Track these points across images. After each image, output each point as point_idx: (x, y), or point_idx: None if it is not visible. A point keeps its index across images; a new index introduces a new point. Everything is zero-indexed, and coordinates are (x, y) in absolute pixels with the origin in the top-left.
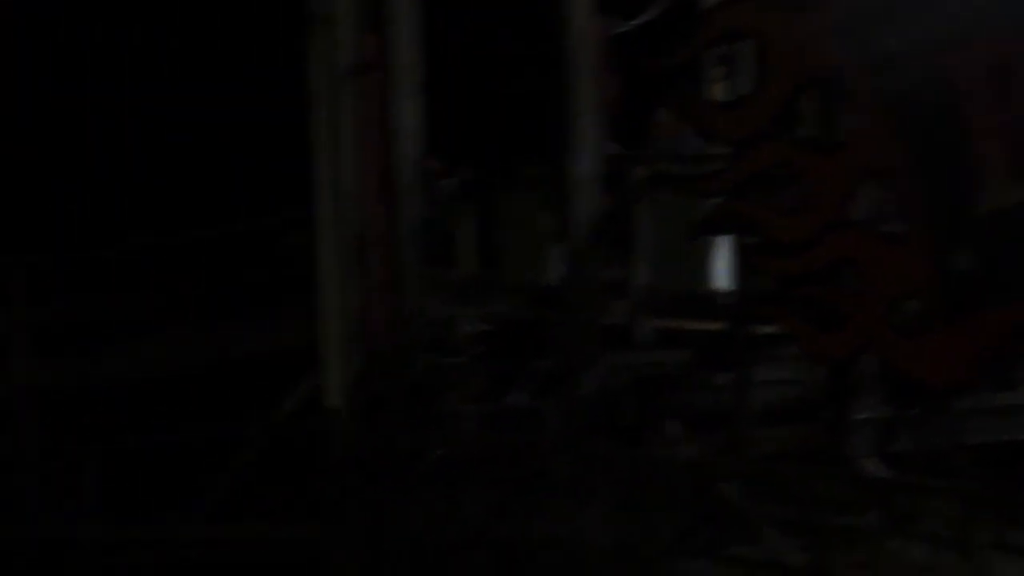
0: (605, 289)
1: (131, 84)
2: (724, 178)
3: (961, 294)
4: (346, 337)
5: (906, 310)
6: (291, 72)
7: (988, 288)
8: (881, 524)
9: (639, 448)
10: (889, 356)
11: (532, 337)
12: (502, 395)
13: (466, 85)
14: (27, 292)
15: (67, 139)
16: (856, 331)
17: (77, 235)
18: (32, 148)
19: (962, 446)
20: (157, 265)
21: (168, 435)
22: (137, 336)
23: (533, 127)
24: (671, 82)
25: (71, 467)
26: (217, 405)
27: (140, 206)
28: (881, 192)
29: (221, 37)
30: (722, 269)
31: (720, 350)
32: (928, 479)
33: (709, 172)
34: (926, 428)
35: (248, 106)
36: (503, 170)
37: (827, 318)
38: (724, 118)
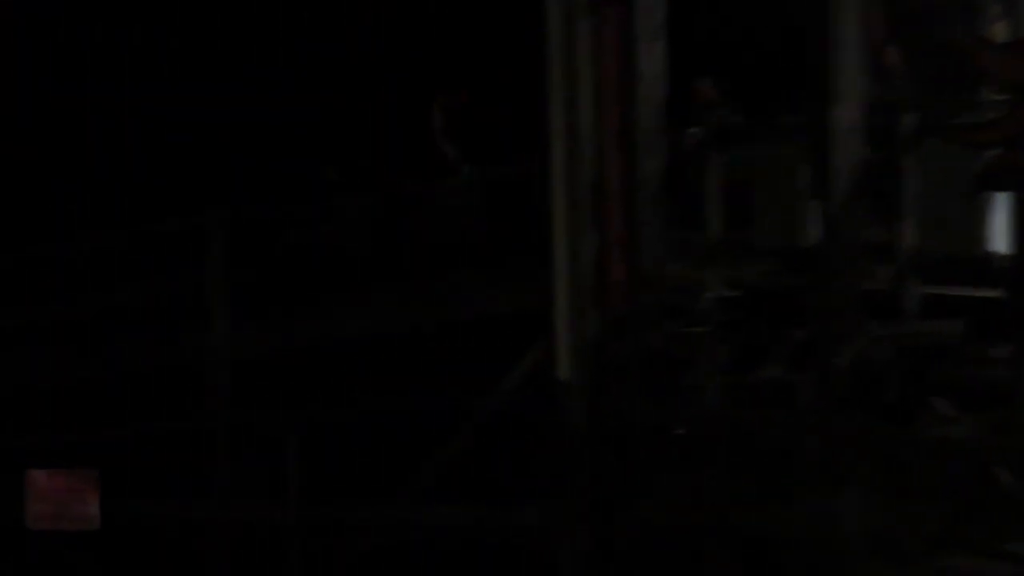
0: (867, 252)
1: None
2: (1004, 127)
3: None
4: (579, 301)
5: None
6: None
7: None
8: None
9: (903, 428)
10: None
11: (785, 305)
12: (750, 368)
13: (711, 24)
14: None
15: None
16: None
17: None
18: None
19: None
20: (365, 220)
21: (375, 406)
22: (340, 298)
23: (790, 69)
24: (944, 20)
25: (267, 440)
26: (428, 374)
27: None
28: None
29: None
30: (1000, 229)
31: (996, 319)
32: None
33: (986, 120)
34: None
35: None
36: (756, 118)
37: None
38: (1004, 60)
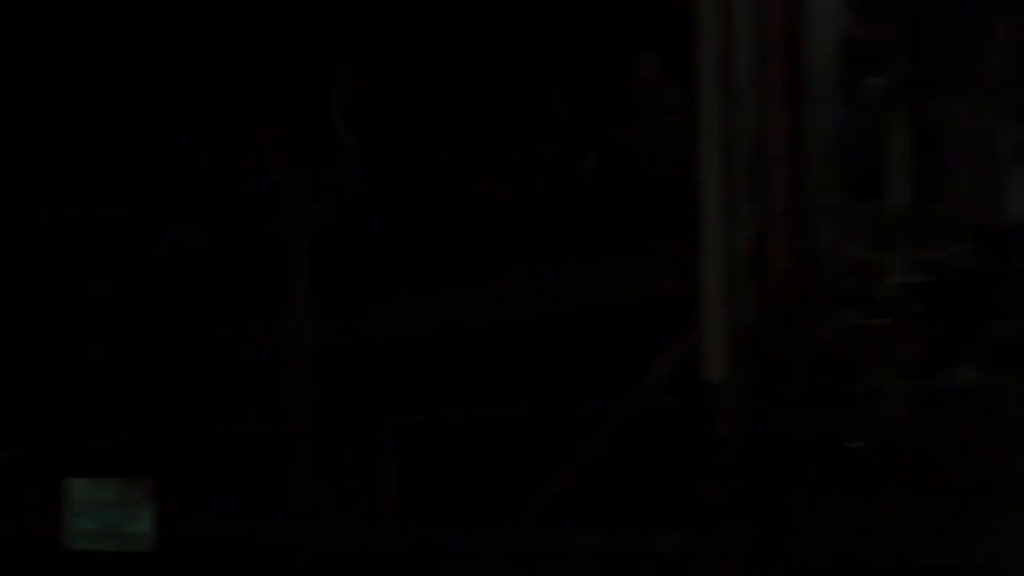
0: None
1: None
2: None
3: None
4: (733, 286)
5: None
6: None
7: None
8: None
9: None
10: None
11: (986, 292)
12: (941, 370)
13: None
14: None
15: None
16: None
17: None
18: None
19: None
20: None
21: (486, 410)
22: (444, 283)
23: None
24: None
25: (357, 446)
26: (547, 371)
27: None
28: None
29: None
30: None
31: None
32: None
33: None
34: None
35: None
36: (950, 66)
37: None
38: None
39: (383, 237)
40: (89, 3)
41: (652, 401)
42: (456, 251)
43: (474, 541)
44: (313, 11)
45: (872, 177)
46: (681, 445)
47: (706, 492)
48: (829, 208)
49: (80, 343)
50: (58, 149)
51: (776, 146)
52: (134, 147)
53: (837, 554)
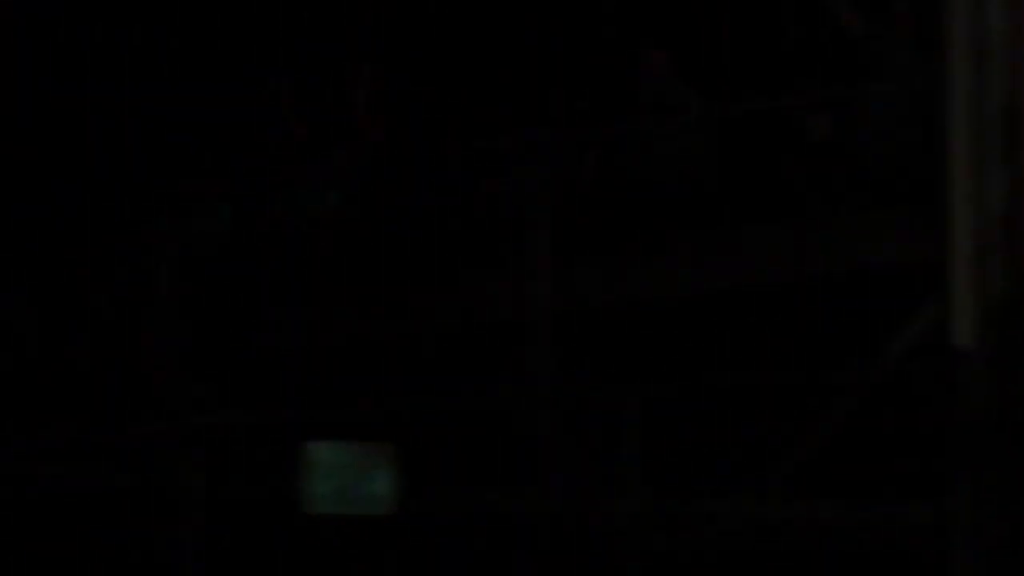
0: None
1: None
2: None
3: None
4: (983, 251)
5: None
6: None
7: None
8: None
9: None
10: None
11: None
12: None
13: None
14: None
15: None
16: None
17: None
18: None
19: None
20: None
21: (726, 378)
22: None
23: None
24: None
25: (595, 414)
26: (787, 336)
27: None
28: None
29: None
30: None
31: None
32: None
33: None
34: None
35: None
36: None
37: None
38: None
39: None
40: None
41: (898, 369)
42: (692, 217)
43: (717, 509)
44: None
45: None
46: (928, 413)
47: (952, 461)
48: None
49: (323, 310)
50: None
51: None
52: None
53: None
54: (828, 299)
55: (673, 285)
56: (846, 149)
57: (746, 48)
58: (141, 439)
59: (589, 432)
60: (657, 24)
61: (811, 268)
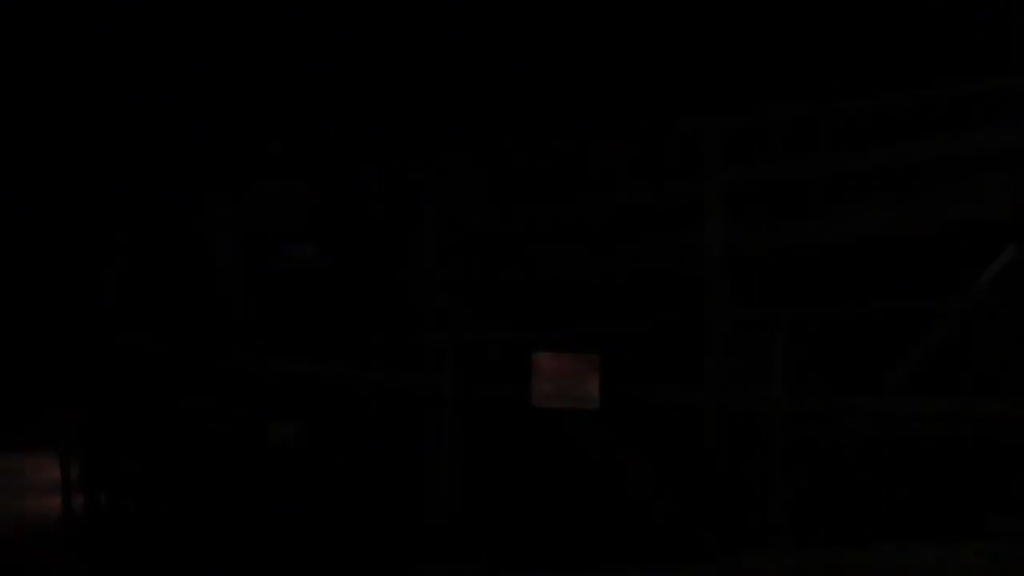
0: None
1: None
2: None
3: None
4: None
5: None
6: None
7: None
8: None
9: None
10: None
11: None
12: None
13: None
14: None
15: None
16: None
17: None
18: None
19: None
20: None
21: (858, 306)
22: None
23: None
24: None
25: (758, 334)
26: (915, 276)
27: None
28: None
29: None
30: None
31: None
32: None
33: None
34: None
35: None
36: None
37: None
38: None
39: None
40: None
41: (987, 297)
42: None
43: (848, 405)
44: None
45: None
46: (1009, 331)
47: None
48: None
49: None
50: None
51: None
52: None
53: None
54: (937, 246)
55: (812, 237)
56: None
57: None
58: (417, 349)
59: (752, 345)
60: None
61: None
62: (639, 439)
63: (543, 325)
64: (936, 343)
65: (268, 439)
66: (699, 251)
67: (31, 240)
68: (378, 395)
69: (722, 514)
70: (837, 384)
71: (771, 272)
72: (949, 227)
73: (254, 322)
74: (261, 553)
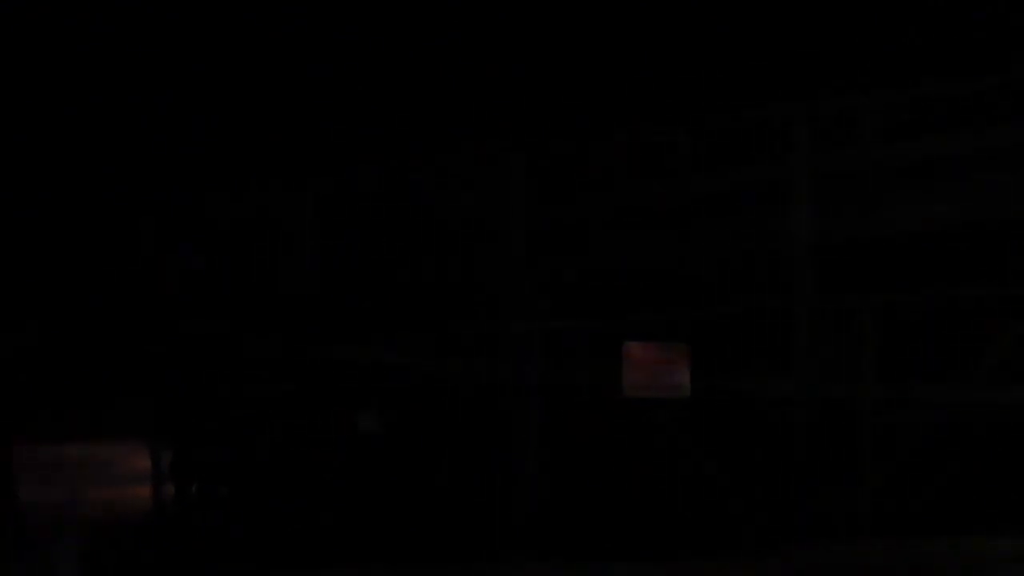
0: None
1: None
2: None
3: None
4: None
5: None
6: None
7: None
8: None
9: None
10: None
11: None
12: None
13: None
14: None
15: None
16: None
17: None
18: None
19: None
20: None
21: (945, 293)
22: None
23: None
24: None
25: (844, 321)
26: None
27: None
28: None
29: None
30: None
31: None
32: None
33: None
34: None
35: None
36: None
37: None
38: None
39: None
40: None
41: None
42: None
43: (936, 393)
44: None
45: None
46: None
47: None
48: None
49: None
50: None
51: None
52: None
53: None
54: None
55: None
56: None
57: None
58: (498, 338)
59: (836, 332)
60: None
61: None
62: (724, 427)
63: (624, 313)
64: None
65: (357, 428)
66: (782, 239)
67: (77, 228)
68: (463, 384)
69: (809, 503)
70: (924, 372)
71: (856, 258)
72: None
73: (334, 311)
74: (352, 540)
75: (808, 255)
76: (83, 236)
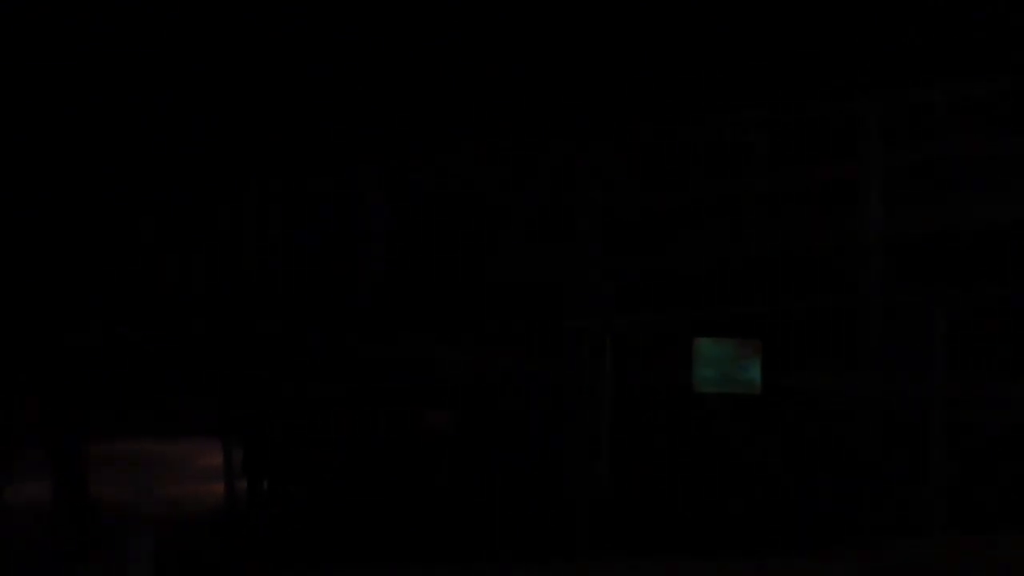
0: None
1: None
2: None
3: None
4: None
5: None
6: None
7: None
8: None
9: None
10: None
11: None
12: None
13: None
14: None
15: None
16: None
17: None
18: None
19: None
20: None
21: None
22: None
23: None
24: None
25: (916, 317)
26: None
27: None
28: None
29: None
30: None
31: None
32: None
33: None
34: None
35: None
36: None
37: None
38: None
39: None
40: None
41: None
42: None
43: (1007, 391)
44: None
45: None
46: None
47: None
48: None
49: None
50: None
51: None
52: None
53: None
54: None
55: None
56: None
57: None
58: (566, 335)
59: (908, 330)
60: None
61: None
62: (792, 423)
63: (693, 310)
64: None
65: (425, 426)
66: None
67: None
68: (531, 382)
69: (876, 501)
70: (995, 370)
71: (926, 254)
72: None
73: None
74: (425, 539)
75: (879, 251)
76: (143, 235)
